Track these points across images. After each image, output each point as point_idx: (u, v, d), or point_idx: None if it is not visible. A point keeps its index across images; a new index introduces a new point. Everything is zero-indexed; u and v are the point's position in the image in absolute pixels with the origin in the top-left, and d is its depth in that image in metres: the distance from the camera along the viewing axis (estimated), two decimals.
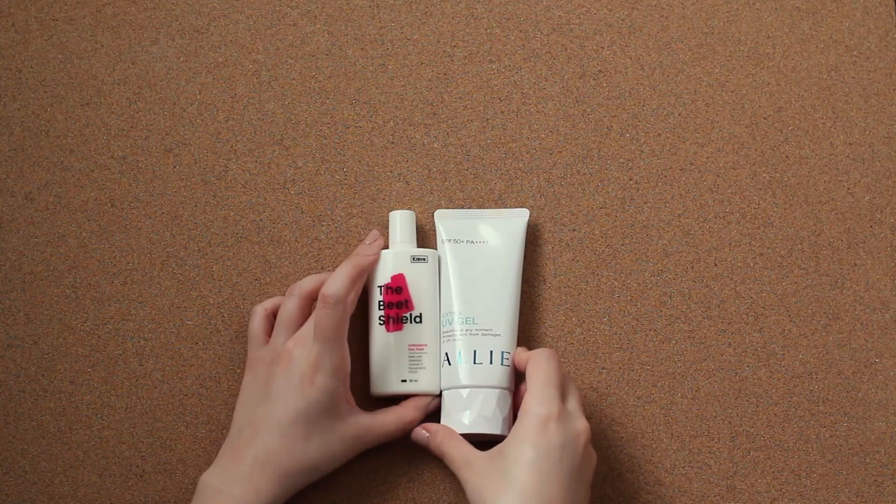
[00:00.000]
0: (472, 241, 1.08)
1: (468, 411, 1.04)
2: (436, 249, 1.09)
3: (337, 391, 1.01)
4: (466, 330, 1.05)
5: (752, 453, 1.09)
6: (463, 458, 1.02)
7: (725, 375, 1.10)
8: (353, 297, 1.05)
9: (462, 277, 1.07)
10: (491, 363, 1.05)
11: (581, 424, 1.00)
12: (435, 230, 1.10)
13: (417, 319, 1.06)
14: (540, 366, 1.01)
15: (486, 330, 1.05)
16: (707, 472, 1.08)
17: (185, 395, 1.08)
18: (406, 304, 1.06)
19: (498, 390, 1.05)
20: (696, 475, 1.08)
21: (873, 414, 1.09)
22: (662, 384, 1.09)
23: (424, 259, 1.07)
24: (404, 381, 1.05)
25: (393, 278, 1.06)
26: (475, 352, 1.05)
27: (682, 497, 1.08)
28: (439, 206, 1.11)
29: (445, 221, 1.09)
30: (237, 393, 1.08)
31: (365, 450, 1.04)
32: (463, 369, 1.05)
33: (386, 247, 1.09)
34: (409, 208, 1.11)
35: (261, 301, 1.09)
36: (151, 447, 1.08)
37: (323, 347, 1.00)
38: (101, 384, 1.08)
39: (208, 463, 1.07)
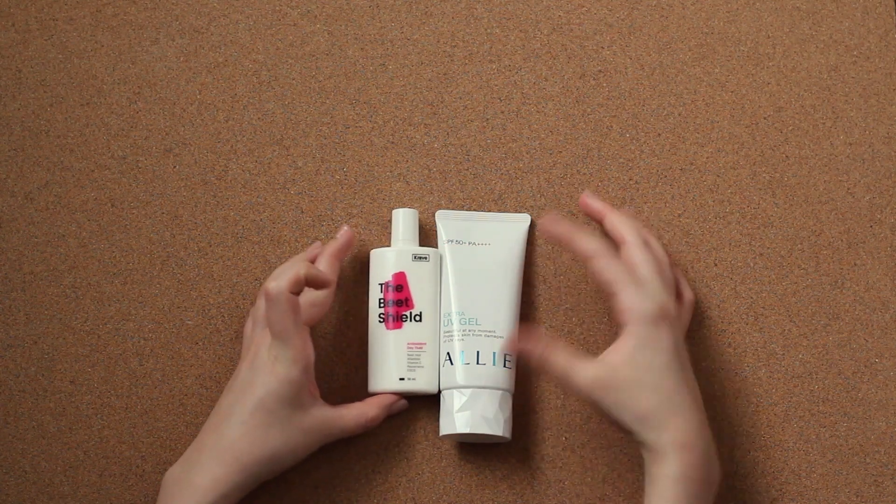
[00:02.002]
0: (474, 243, 1.08)
1: (469, 412, 1.04)
2: (437, 248, 1.09)
3: (298, 381, 1.01)
4: (469, 331, 1.05)
5: (752, 453, 1.09)
6: (588, 377, 0.99)
7: (725, 375, 1.10)
8: (327, 294, 1.05)
9: (462, 278, 1.07)
10: (494, 364, 1.05)
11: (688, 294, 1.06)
12: (436, 230, 1.10)
13: (417, 318, 1.06)
14: (635, 254, 1.03)
15: (489, 332, 1.05)
16: None
17: (185, 395, 1.08)
18: (406, 302, 1.06)
19: (500, 391, 1.05)
20: None
21: (873, 414, 1.09)
22: None
23: (426, 258, 1.07)
24: (402, 379, 1.05)
25: (394, 276, 1.06)
26: (478, 353, 1.05)
27: None
28: (439, 206, 1.11)
29: (447, 222, 1.09)
30: None
31: (327, 443, 1.04)
32: (465, 370, 1.04)
33: (388, 244, 1.09)
34: (410, 207, 1.11)
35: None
36: (151, 447, 1.08)
37: (277, 340, 1.00)
38: (101, 384, 1.08)
39: None
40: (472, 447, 1.08)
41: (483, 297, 1.06)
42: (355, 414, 1.04)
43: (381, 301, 1.06)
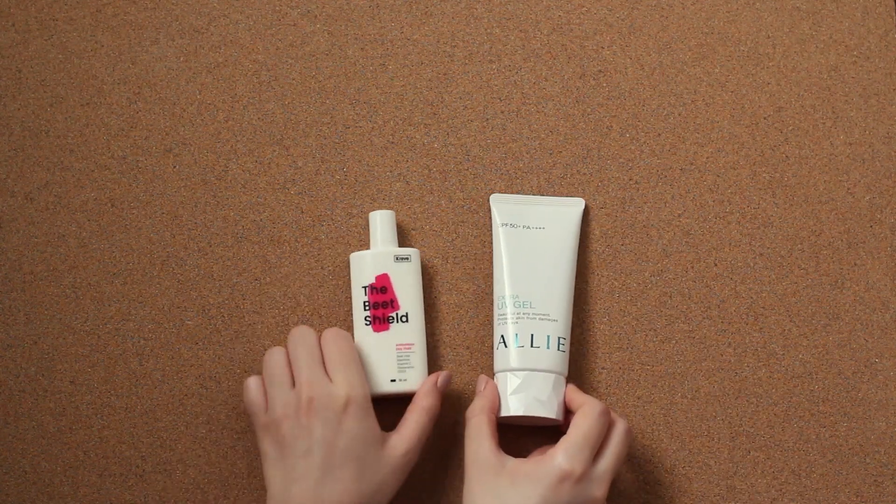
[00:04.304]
0: (528, 227, 1.08)
1: (523, 394, 1.04)
2: (417, 248, 1.09)
3: (369, 420, 1.00)
4: (524, 314, 1.05)
5: (752, 453, 1.09)
6: (475, 453, 1.01)
7: (725, 375, 1.10)
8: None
9: (516, 261, 1.07)
10: (548, 348, 1.05)
11: (598, 492, 1.00)
12: (490, 214, 1.10)
13: (404, 319, 1.06)
14: (587, 418, 1.01)
15: (543, 315, 1.05)
16: (707, 472, 1.08)
17: (185, 395, 1.08)
18: (392, 303, 1.06)
19: (554, 375, 1.05)
20: (696, 475, 1.08)
21: (873, 414, 1.09)
22: (662, 384, 1.09)
23: (408, 258, 1.07)
24: (394, 380, 1.05)
25: (377, 278, 1.06)
26: (532, 335, 1.05)
27: (682, 497, 1.08)
28: (439, 207, 1.11)
29: (501, 205, 1.09)
30: (238, 393, 1.08)
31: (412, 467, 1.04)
32: (519, 352, 1.05)
33: (367, 248, 1.09)
34: (409, 208, 1.11)
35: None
36: (151, 447, 1.08)
37: (353, 386, 1.00)
38: (101, 384, 1.08)
39: (208, 463, 1.07)
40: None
41: (537, 281, 1.06)
42: (416, 417, 1.03)
43: (366, 304, 1.06)
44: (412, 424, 1.03)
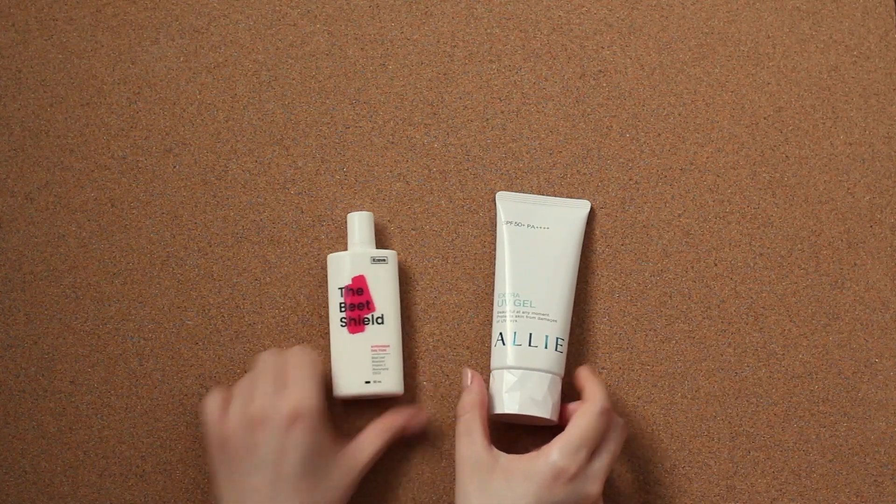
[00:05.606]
0: (533, 226, 1.08)
1: (518, 392, 1.04)
2: (394, 250, 1.09)
3: (319, 432, 1.00)
4: (523, 312, 1.05)
5: (752, 453, 1.09)
6: (467, 450, 1.01)
7: (725, 375, 1.10)
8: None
9: (519, 260, 1.07)
10: (546, 348, 1.05)
11: (593, 489, 0.99)
12: (495, 212, 1.10)
13: (380, 320, 1.06)
14: (586, 417, 1.01)
15: (543, 314, 1.06)
16: (707, 472, 1.09)
17: (185, 395, 1.08)
18: (368, 305, 1.06)
19: (550, 375, 1.05)
20: (696, 475, 1.08)
21: (873, 414, 1.09)
22: (662, 384, 1.09)
23: (385, 260, 1.07)
24: (368, 382, 1.05)
25: (353, 279, 1.06)
26: (531, 335, 1.05)
27: (682, 497, 1.08)
28: (439, 207, 1.11)
29: (506, 204, 1.09)
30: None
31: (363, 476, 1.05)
32: (517, 351, 1.05)
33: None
34: (409, 208, 1.11)
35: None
36: (151, 447, 1.08)
37: (301, 399, 1.00)
38: (101, 384, 1.08)
39: (208, 463, 1.07)
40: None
41: (538, 281, 1.06)
42: (380, 445, 1.04)
43: (342, 305, 1.06)
44: (373, 445, 1.03)
